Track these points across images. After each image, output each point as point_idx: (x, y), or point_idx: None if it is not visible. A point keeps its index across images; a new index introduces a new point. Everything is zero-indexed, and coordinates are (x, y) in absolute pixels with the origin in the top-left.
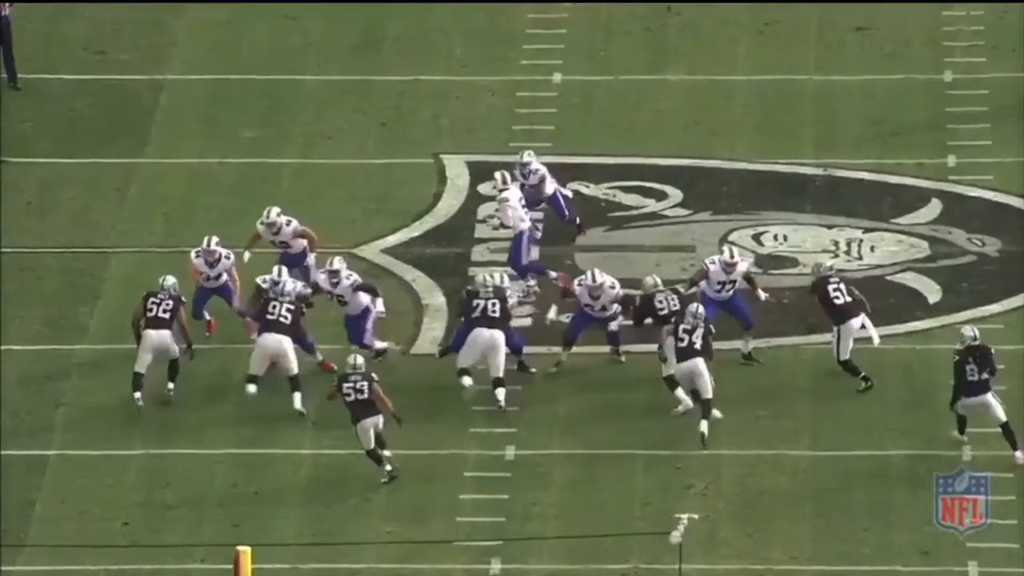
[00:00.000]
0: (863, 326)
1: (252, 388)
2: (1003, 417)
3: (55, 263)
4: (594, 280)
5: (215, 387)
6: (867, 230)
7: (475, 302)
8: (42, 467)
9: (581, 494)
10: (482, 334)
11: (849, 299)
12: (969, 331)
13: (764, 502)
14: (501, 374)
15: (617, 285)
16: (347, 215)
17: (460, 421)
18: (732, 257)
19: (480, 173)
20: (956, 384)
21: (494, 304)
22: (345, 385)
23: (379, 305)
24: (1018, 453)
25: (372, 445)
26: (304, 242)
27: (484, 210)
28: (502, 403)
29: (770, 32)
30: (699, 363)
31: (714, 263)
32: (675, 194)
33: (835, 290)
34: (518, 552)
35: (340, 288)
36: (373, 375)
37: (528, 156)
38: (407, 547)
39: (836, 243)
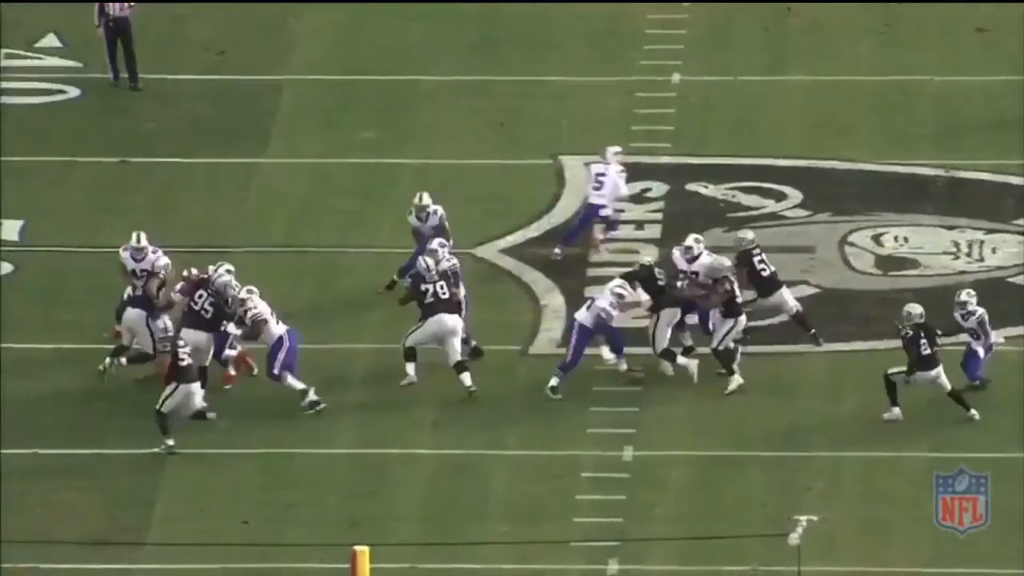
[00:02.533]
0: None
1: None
2: (949, 386)
3: (176, 263)
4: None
5: (336, 386)
6: (988, 231)
7: (423, 287)
8: (162, 465)
9: (699, 495)
10: (443, 320)
11: (773, 269)
12: (916, 308)
13: (884, 504)
14: (460, 357)
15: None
16: (466, 215)
17: (578, 422)
18: (694, 243)
19: None
20: (911, 359)
21: (442, 286)
22: (181, 351)
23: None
24: (973, 411)
25: (198, 407)
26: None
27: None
28: (471, 387)
29: (891, 33)
30: None
31: (676, 250)
32: (795, 195)
33: (760, 262)
34: (636, 553)
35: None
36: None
37: (426, 199)
38: (524, 547)
39: (957, 244)
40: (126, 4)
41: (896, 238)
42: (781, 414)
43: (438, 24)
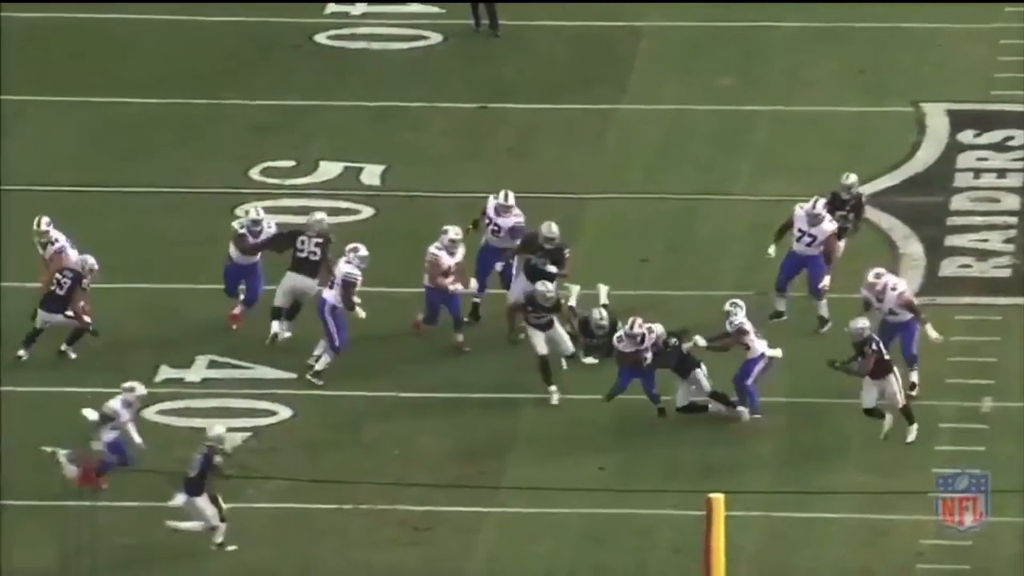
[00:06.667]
0: None
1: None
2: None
3: (533, 208)
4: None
5: (690, 332)
6: None
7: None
8: (517, 410)
9: None
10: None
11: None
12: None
13: None
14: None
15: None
16: (824, 163)
17: (936, 371)
18: (814, 208)
19: (961, 122)
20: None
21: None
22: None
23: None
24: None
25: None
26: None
27: (964, 159)
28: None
29: None
30: None
31: (802, 209)
32: None
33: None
34: (995, 504)
35: None
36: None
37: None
38: (881, 498)
39: None
40: None
41: None
42: None
43: None
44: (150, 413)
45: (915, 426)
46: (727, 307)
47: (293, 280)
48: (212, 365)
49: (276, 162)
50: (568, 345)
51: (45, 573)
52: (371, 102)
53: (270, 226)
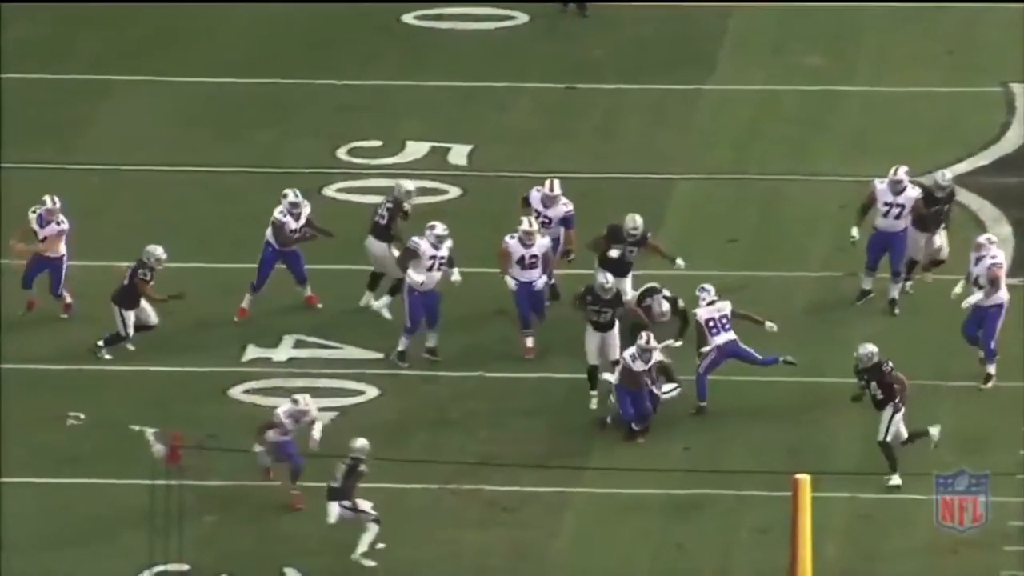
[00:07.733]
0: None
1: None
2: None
3: (620, 189)
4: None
5: (777, 314)
6: None
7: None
8: (603, 391)
9: None
10: None
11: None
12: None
13: None
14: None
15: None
16: (912, 143)
17: (1022, 352)
18: (896, 174)
19: None
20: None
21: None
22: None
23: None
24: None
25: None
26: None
27: None
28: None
29: None
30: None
31: (883, 182)
32: None
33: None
34: None
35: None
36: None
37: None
38: None
39: None
40: None
41: None
42: None
43: None
44: (237, 392)
45: (896, 475)
46: (696, 292)
47: (368, 244)
48: (299, 345)
49: (363, 142)
50: (616, 352)
51: (133, 550)
52: (458, 82)
53: (307, 207)
